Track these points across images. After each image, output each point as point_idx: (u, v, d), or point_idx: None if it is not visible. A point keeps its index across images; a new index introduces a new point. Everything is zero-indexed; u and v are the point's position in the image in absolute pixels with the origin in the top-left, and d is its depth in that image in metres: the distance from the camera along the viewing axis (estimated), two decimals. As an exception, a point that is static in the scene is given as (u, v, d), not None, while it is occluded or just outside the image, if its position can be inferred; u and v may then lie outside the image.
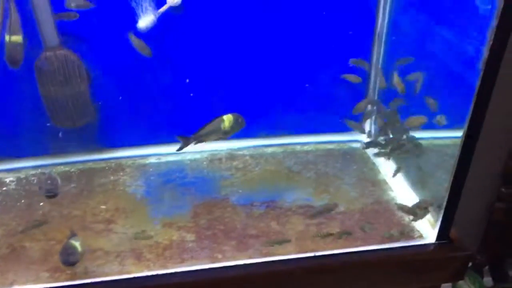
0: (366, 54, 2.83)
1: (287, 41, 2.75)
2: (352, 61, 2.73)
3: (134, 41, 2.53)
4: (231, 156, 2.95)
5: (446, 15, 2.56)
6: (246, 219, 2.43)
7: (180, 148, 2.38)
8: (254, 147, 3.01)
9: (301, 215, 2.43)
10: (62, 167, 2.82)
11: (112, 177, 2.76)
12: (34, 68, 2.53)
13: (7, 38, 2.13)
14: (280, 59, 2.76)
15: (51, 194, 2.14)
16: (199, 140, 2.39)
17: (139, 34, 2.55)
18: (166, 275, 2.05)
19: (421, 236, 2.23)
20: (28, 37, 2.49)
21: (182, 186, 2.71)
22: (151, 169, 2.85)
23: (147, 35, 2.58)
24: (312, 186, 2.65)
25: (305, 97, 2.91)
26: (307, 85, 2.83)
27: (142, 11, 2.58)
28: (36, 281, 2.05)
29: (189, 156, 2.96)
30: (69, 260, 2.07)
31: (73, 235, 2.17)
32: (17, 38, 2.15)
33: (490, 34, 1.73)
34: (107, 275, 2.09)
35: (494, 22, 1.71)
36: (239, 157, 2.94)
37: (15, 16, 2.14)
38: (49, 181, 2.16)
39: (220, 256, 2.20)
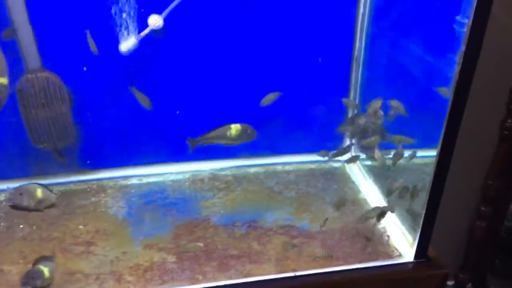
0: (345, 77, 2.90)
1: (269, 64, 2.81)
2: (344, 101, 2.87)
3: (136, 93, 2.58)
4: (214, 176, 2.97)
5: (422, 38, 2.66)
6: (227, 239, 2.43)
7: (191, 148, 2.52)
8: (237, 167, 3.03)
9: (282, 235, 2.44)
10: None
11: (93, 199, 2.74)
12: (15, 90, 2.55)
13: None
14: (260, 82, 2.81)
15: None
16: (205, 142, 2.50)
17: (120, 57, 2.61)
18: (146, 297, 2.04)
19: (400, 255, 2.26)
20: (11, 59, 2.53)
21: (163, 207, 2.70)
22: (132, 190, 2.85)
23: (129, 58, 2.64)
24: (293, 206, 2.67)
25: (287, 118, 2.96)
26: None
27: (124, 34, 2.63)
28: (15, 305, 2.03)
29: (171, 177, 2.96)
30: (29, 285, 2.02)
31: (43, 259, 2.13)
32: (2, 80, 2.15)
33: (459, 57, 1.80)
34: (85, 298, 2.07)
35: (462, 47, 1.78)
36: (222, 177, 2.95)
37: (0, 57, 2.16)
38: (20, 194, 2.15)
39: (200, 277, 2.19)
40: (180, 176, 2.97)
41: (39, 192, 2.20)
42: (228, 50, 2.75)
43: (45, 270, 2.08)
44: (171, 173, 2.99)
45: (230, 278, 2.17)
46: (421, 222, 2.06)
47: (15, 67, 2.54)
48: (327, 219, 2.41)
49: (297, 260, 2.28)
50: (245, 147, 3.05)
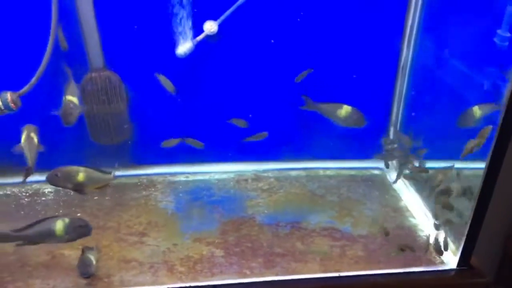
0: (390, 85, 2.98)
1: (316, 71, 2.90)
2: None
3: (161, 78, 2.72)
4: (257, 177, 3.08)
5: (466, 51, 2.72)
6: (272, 238, 2.54)
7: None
8: (279, 170, 3.14)
9: (325, 237, 2.53)
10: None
11: (144, 192, 2.90)
12: (80, 87, 2.73)
13: (64, 98, 2.30)
14: (307, 87, 2.91)
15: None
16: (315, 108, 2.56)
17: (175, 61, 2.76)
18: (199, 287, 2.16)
19: (442, 262, 2.32)
20: (77, 58, 2.71)
21: (210, 204, 2.83)
22: (180, 186, 2.99)
23: (184, 60, 2.79)
24: (335, 209, 2.76)
25: (329, 123, 3.04)
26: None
27: (181, 38, 2.78)
28: (75, 287, 2.17)
29: (216, 176, 3.09)
30: (87, 272, 2.21)
31: (87, 249, 2.28)
32: (74, 99, 2.32)
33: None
34: (142, 285, 2.20)
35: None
36: (265, 179, 3.06)
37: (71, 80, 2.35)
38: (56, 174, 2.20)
39: (248, 272, 2.30)
40: (224, 176, 3.09)
41: (81, 176, 2.24)
42: (278, 56, 2.87)
43: (93, 259, 2.25)
44: (216, 172, 3.12)
45: (277, 275, 2.27)
46: (466, 231, 2.12)
47: (81, 66, 2.74)
48: (387, 231, 2.49)
49: (340, 262, 2.37)
50: (287, 150, 3.19)
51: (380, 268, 2.30)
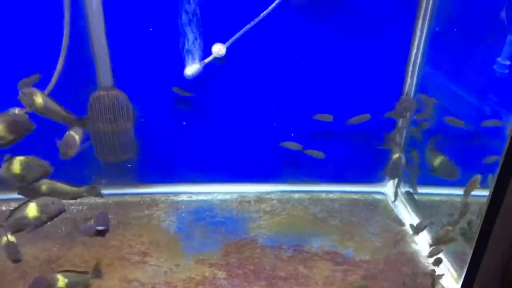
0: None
1: (321, 95, 2.96)
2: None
3: (178, 91, 2.79)
4: (259, 199, 3.09)
5: (467, 79, 2.78)
6: (274, 260, 2.54)
7: None
8: (282, 192, 3.16)
9: (328, 261, 2.53)
10: (98, 198, 2.97)
11: (146, 211, 2.90)
12: (88, 105, 2.76)
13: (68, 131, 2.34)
14: (311, 112, 2.96)
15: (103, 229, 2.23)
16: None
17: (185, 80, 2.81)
18: (200, 309, 2.15)
19: (444, 290, 2.32)
20: (86, 76, 2.75)
21: (212, 224, 2.83)
22: (183, 206, 3.00)
23: (191, 82, 2.83)
24: (337, 233, 2.77)
25: (333, 147, 3.08)
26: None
27: (189, 59, 2.83)
28: (77, 307, 2.16)
29: (219, 197, 3.10)
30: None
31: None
32: (76, 135, 2.34)
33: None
34: (143, 305, 2.20)
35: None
36: (267, 201, 3.07)
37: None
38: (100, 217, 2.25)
39: (250, 295, 2.30)
40: (227, 196, 3.10)
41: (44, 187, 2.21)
42: (284, 79, 2.91)
43: (61, 280, 2.07)
44: (219, 192, 3.13)
45: (279, 298, 2.27)
46: (468, 259, 2.12)
47: (90, 84, 2.78)
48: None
49: (342, 287, 2.37)
50: (290, 173, 3.21)
51: (382, 294, 2.30)
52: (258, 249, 2.62)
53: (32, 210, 2.03)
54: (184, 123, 2.92)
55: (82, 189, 2.39)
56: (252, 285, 2.36)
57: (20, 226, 2.03)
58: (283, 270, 2.47)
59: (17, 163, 2.03)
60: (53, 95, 2.62)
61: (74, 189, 2.35)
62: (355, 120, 2.87)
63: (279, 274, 2.44)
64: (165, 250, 2.57)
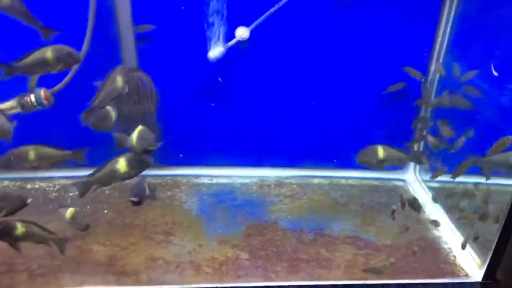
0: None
1: (340, 81, 2.95)
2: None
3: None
4: (279, 183, 3.11)
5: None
6: (296, 243, 2.56)
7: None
8: (301, 177, 3.17)
9: (349, 245, 2.55)
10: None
11: (169, 193, 2.93)
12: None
13: None
14: (332, 97, 2.96)
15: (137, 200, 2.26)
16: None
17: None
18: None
19: (466, 275, 2.33)
20: (111, 58, 2.76)
21: (233, 207, 2.86)
22: (204, 189, 3.02)
23: (215, 64, 2.83)
24: (358, 218, 2.78)
25: (354, 133, 3.08)
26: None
27: (213, 42, 2.83)
28: (104, 284, 2.20)
29: (239, 180, 3.12)
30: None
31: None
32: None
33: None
34: (169, 283, 2.23)
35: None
36: (287, 185, 3.09)
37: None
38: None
39: (273, 276, 2.32)
40: (247, 180, 3.12)
41: (32, 154, 2.21)
42: (306, 63, 2.90)
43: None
44: (239, 176, 3.15)
45: (302, 280, 2.29)
46: (493, 245, 2.13)
47: (115, 65, 2.79)
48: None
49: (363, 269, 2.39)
50: (310, 158, 3.22)
51: (404, 278, 2.32)
52: (280, 232, 2.64)
53: (122, 164, 2.07)
54: (213, 104, 2.93)
55: (68, 152, 2.36)
56: (275, 267, 2.39)
57: (110, 181, 2.12)
58: (305, 253, 2.49)
59: None
60: (78, 75, 2.66)
61: (60, 152, 2.33)
62: (393, 88, 2.84)
63: (301, 256, 2.47)
64: (188, 231, 2.61)
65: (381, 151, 2.36)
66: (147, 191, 2.21)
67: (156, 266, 2.34)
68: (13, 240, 2.02)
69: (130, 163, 2.10)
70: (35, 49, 2.07)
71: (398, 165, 2.42)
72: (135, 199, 2.14)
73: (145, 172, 3.03)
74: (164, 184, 3.01)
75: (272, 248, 2.51)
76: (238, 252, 2.47)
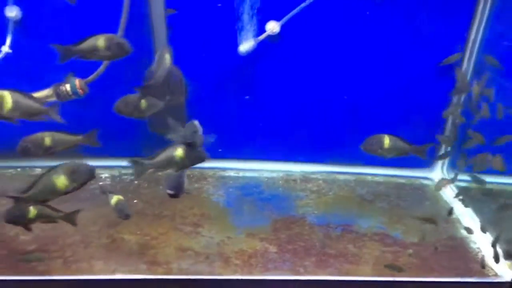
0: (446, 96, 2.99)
1: (370, 76, 2.94)
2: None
3: None
4: (305, 178, 3.12)
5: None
6: (323, 238, 2.57)
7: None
8: (327, 172, 3.17)
9: (377, 242, 2.56)
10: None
11: (196, 185, 2.96)
12: (143, 78, 2.80)
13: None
14: (364, 93, 2.95)
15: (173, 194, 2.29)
16: None
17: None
18: (256, 281, 2.21)
19: (496, 275, 2.32)
20: (142, 50, 2.79)
21: (260, 200, 2.88)
22: (230, 182, 3.05)
23: (245, 58, 2.85)
24: (385, 216, 2.78)
25: (383, 130, 3.06)
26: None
27: (244, 36, 2.84)
28: (136, 272, 2.23)
29: (265, 174, 3.14)
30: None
31: None
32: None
33: None
34: (199, 274, 2.26)
35: None
36: (313, 180, 3.10)
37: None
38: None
39: (302, 270, 2.34)
40: (274, 174, 3.14)
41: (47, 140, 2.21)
42: (336, 59, 2.90)
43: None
44: (265, 170, 3.17)
45: (331, 275, 2.30)
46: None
47: (146, 57, 2.82)
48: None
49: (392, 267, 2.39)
50: (336, 154, 3.22)
51: (433, 276, 2.32)
52: (307, 227, 2.66)
53: (180, 153, 2.11)
54: (247, 97, 2.95)
55: (81, 137, 2.33)
56: (303, 261, 2.40)
57: (166, 167, 2.14)
58: (333, 248, 2.50)
59: None
60: (110, 67, 2.69)
61: (74, 137, 2.30)
62: (449, 59, 2.81)
63: (329, 251, 2.47)
64: (216, 223, 2.63)
65: (387, 141, 2.34)
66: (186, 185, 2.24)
67: (186, 256, 2.36)
68: (28, 223, 2.07)
69: (187, 154, 2.12)
70: (90, 36, 2.10)
71: (401, 156, 2.41)
72: (172, 192, 2.17)
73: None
74: (191, 176, 3.03)
75: (300, 243, 2.52)
76: (267, 246, 2.49)
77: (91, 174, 2.04)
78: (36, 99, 2.12)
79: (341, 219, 2.73)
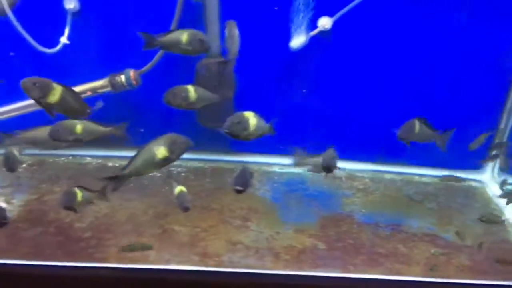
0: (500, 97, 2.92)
1: (427, 79, 2.89)
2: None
3: None
4: (351, 176, 3.09)
5: None
6: (373, 237, 2.54)
7: None
8: (373, 171, 3.14)
9: (428, 243, 2.52)
10: (196, 162, 3.08)
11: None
12: (195, 71, 2.83)
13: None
14: (415, 93, 2.90)
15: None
16: None
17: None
18: (307, 277, 2.20)
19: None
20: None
21: (305, 197, 2.87)
22: (275, 177, 3.05)
23: (296, 53, 2.83)
24: (435, 217, 2.73)
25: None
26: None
27: (296, 32, 2.82)
28: (189, 263, 2.26)
29: (310, 171, 3.13)
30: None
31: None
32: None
33: None
34: (250, 267, 2.27)
35: None
36: (359, 179, 3.07)
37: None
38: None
39: (352, 268, 2.32)
40: (318, 171, 3.12)
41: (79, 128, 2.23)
42: (388, 57, 2.86)
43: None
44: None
45: (382, 274, 2.28)
46: None
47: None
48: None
49: (445, 268, 2.35)
50: (382, 153, 3.18)
51: (487, 279, 2.27)
52: (355, 225, 2.63)
53: (252, 122, 2.10)
54: (304, 90, 2.94)
55: (109, 129, 2.37)
56: (353, 259, 2.38)
57: (240, 136, 2.11)
58: (383, 248, 2.47)
59: None
60: (164, 60, 2.73)
61: (102, 128, 2.33)
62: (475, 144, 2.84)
63: (379, 251, 2.45)
64: (264, 217, 2.64)
65: (417, 126, 2.30)
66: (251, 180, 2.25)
67: (236, 249, 2.38)
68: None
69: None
70: (176, 29, 2.15)
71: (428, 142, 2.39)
72: (240, 188, 2.18)
73: (219, 157, 3.14)
74: (236, 170, 3.02)
75: (349, 241, 2.50)
76: (315, 242, 2.48)
77: (188, 144, 2.06)
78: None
79: (390, 219, 2.69)
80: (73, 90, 2.00)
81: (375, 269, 2.33)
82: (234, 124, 2.04)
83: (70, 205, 2.10)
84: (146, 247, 2.28)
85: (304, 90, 2.93)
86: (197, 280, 2.11)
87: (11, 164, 2.41)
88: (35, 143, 2.52)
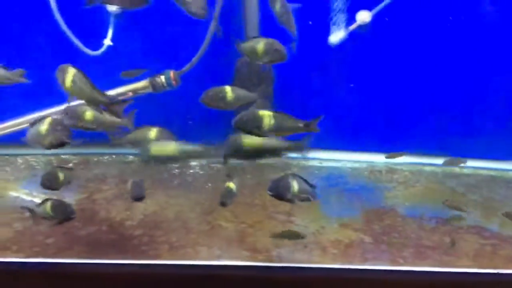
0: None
1: (466, 73, 2.87)
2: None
3: None
4: (390, 169, 3.09)
5: None
6: (418, 230, 2.55)
7: None
8: (412, 164, 3.13)
9: (474, 234, 2.51)
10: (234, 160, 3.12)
11: (282, 174, 2.99)
12: (235, 68, 2.86)
13: None
14: (458, 84, 2.89)
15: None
16: None
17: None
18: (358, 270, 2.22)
19: None
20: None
21: (346, 191, 2.88)
22: (315, 172, 3.07)
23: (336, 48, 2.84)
24: (479, 208, 2.72)
25: (470, 123, 2.99)
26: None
27: (335, 27, 2.83)
28: (240, 258, 2.29)
29: (348, 164, 3.14)
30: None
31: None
32: None
33: None
34: (298, 262, 2.29)
35: None
36: (399, 172, 3.07)
37: None
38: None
39: (401, 261, 2.33)
40: (357, 165, 3.13)
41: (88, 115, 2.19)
42: (428, 51, 2.85)
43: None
44: (348, 160, 3.16)
45: (431, 266, 2.28)
46: None
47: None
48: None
49: (493, 259, 2.35)
50: (421, 145, 3.17)
51: (537, 271, 2.25)
52: (399, 218, 2.64)
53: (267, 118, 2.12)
54: (352, 85, 2.95)
55: (119, 120, 2.22)
56: (401, 252, 2.39)
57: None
58: (429, 240, 2.47)
59: None
60: (204, 58, 2.76)
61: (111, 119, 2.20)
62: None
63: (426, 243, 2.45)
64: (307, 212, 2.65)
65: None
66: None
67: (284, 244, 2.40)
68: None
69: None
70: (254, 37, 2.17)
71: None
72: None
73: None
74: (275, 165, 3.06)
75: (395, 234, 2.51)
76: (362, 236, 2.49)
77: None
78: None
79: (433, 211, 2.69)
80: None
81: (424, 261, 2.33)
82: None
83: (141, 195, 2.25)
84: (297, 235, 2.31)
85: (351, 85, 2.94)
86: (249, 275, 2.14)
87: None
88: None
